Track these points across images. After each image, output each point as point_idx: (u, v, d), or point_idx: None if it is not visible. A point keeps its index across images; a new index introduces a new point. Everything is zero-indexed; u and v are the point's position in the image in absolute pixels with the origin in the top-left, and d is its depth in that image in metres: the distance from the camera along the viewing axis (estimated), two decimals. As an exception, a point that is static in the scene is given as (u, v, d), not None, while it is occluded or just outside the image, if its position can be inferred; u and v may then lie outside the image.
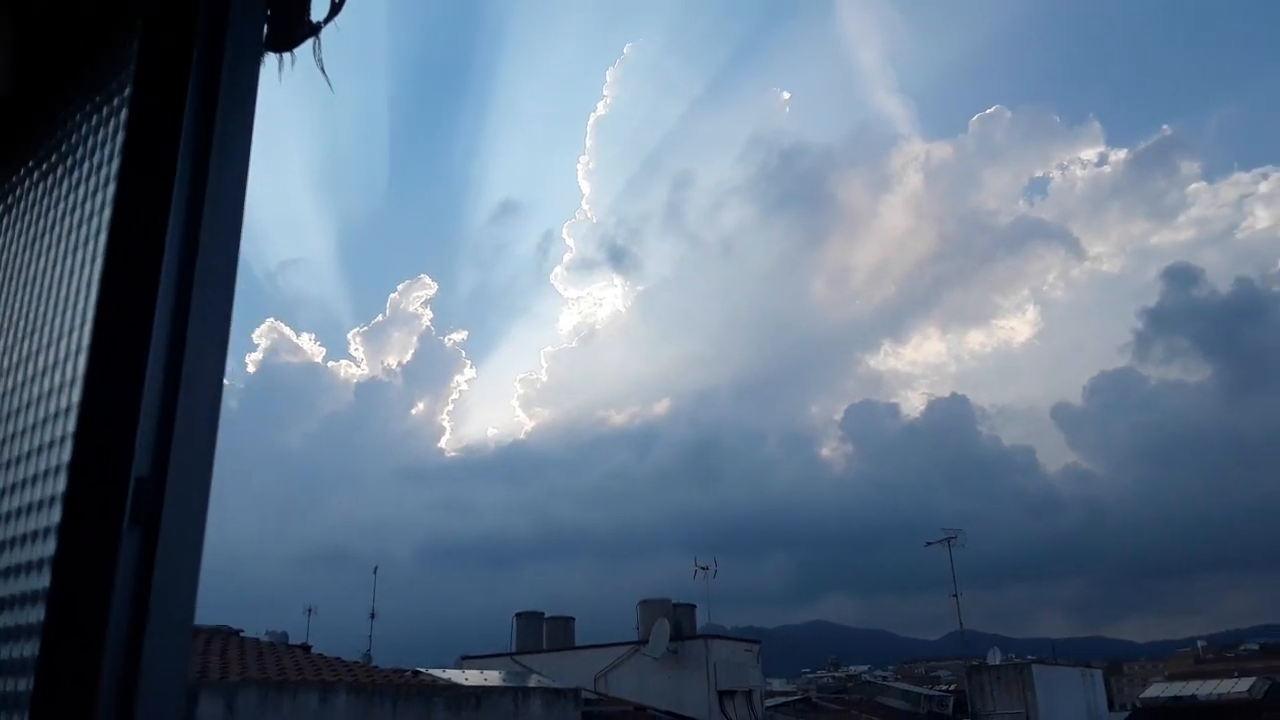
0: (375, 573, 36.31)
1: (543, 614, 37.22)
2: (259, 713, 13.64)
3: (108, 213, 1.43)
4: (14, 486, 1.47)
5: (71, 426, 1.36)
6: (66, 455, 1.35)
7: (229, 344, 1.30)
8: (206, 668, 14.93)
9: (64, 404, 1.41)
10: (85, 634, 1.15)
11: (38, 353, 1.55)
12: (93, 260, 1.43)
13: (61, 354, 1.46)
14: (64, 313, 1.50)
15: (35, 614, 1.28)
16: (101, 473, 1.23)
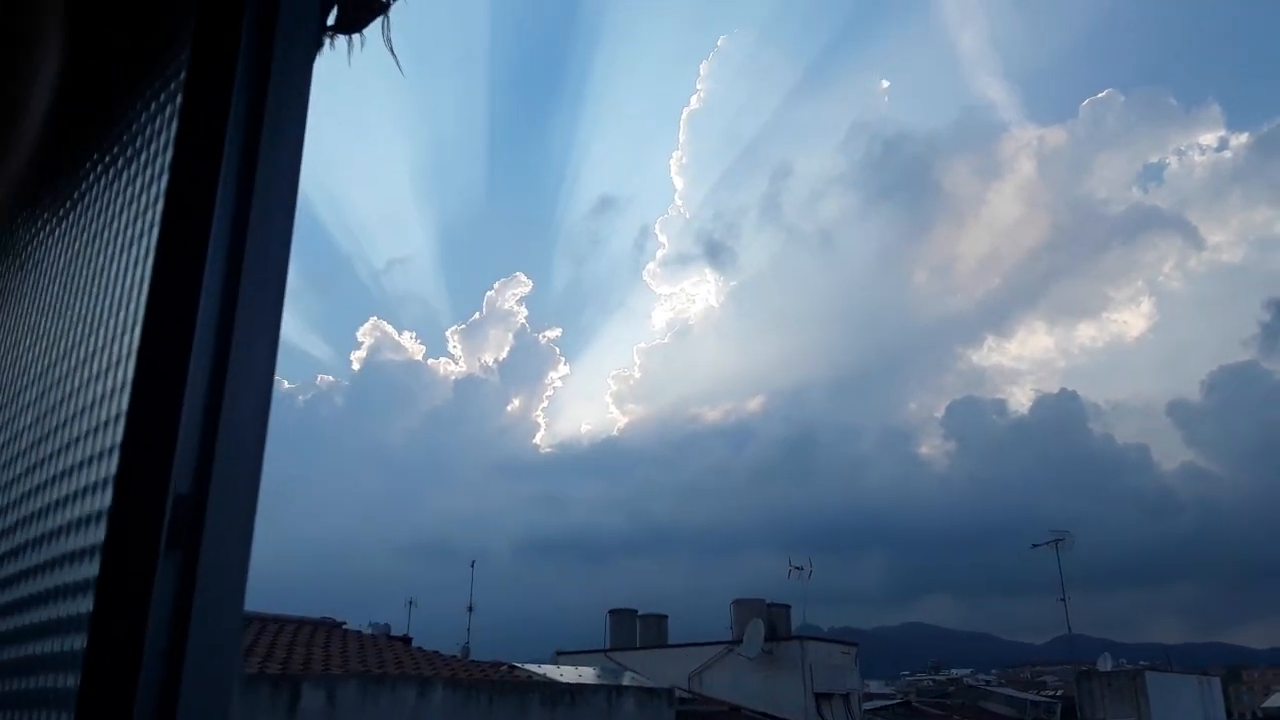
0: (473, 566, 36.85)
1: (636, 611, 37.24)
2: (359, 705, 13.90)
3: (160, 207, 1.34)
4: (63, 500, 1.40)
5: (119, 437, 1.27)
6: (113, 468, 1.26)
7: (279, 349, 1.19)
8: (310, 660, 15.30)
9: (113, 412, 1.32)
10: (120, 669, 1.05)
11: (93, 356, 1.47)
12: (145, 258, 1.34)
13: (113, 359, 1.38)
14: (117, 314, 1.41)
15: (78, 642, 1.19)
16: (142, 489, 1.13)
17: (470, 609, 35.97)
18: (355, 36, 1.75)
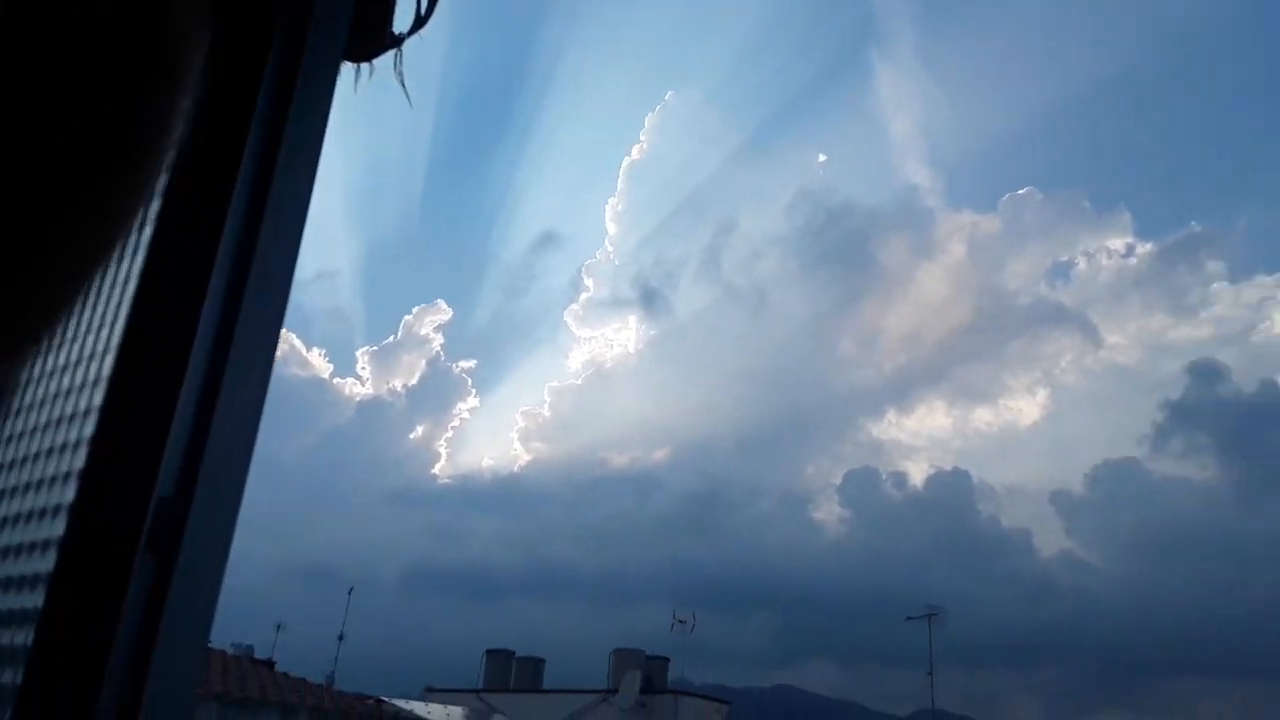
0: (349, 594, 35.71)
1: (513, 653, 36.64)
2: (217, 728, 13.31)
3: (155, 206, 1.33)
4: (15, 489, 1.35)
5: (89, 430, 1.24)
6: (79, 462, 1.23)
7: (275, 359, 1.19)
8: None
9: (84, 406, 1.29)
10: (80, 669, 1.02)
11: (70, 342, 1.43)
12: (133, 253, 1.32)
13: (88, 350, 1.35)
14: (97, 306, 1.38)
15: (22, 637, 1.15)
16: (119, 489, 1.11)
17: (341, 637, 34.79)
18: (365, 65, 1.76)
